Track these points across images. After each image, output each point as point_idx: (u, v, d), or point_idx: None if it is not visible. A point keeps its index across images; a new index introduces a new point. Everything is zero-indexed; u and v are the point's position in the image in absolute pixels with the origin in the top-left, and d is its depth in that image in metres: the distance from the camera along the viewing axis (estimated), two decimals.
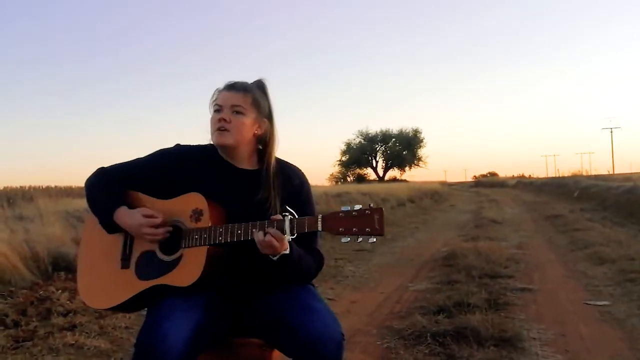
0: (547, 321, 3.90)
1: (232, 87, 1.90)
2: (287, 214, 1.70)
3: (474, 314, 3.77)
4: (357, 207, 1.65)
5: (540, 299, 4.64)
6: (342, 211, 1.65)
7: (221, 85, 1.92)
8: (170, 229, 1.80)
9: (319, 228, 1.65)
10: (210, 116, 1.90)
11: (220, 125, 1.85)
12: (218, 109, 1.88)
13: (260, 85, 1.95)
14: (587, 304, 4.45)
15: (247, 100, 1.87)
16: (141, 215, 1.79)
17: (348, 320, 3.94)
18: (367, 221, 1.62)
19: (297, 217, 1.71)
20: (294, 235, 1.68)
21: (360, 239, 1.63)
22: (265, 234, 1.67)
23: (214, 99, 1.91)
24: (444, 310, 4.01)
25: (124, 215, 1.81)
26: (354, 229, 1.62)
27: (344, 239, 1.65)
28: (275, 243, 1.67)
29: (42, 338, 3.54)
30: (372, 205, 1.65)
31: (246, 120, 1.87)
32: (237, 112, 1.86)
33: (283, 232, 1.67)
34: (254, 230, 1.70)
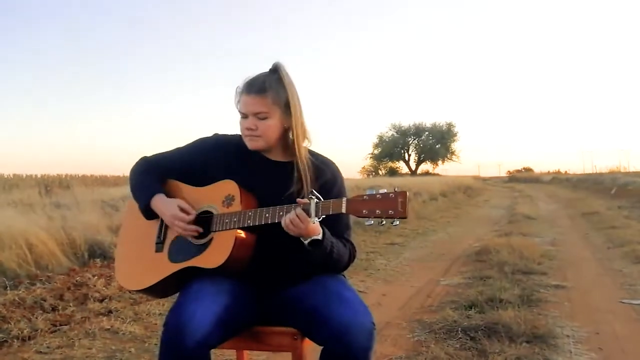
0: (580, 319, 3.84)
1: (250, 90, 1.84)
2: (312, 197, 1.71)
3: (506, 309, 3.74)
4: (382, 190, 1.65)
5: (574, 296, 4.56)
6: (367, 194, 1.65)
7: (240, 82, 1.88)
8: (201, 229, 1.83)
9: (343, 210, 1.65)
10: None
11: (248, 134, 1.86)
12: (243, 116, 1.87)
13: (276, 76, 1.87)
14: (622, 302, 4.37)
15: (266, 103, 1.83)
16: (177, 206, 1.84)
17: (378, 313, 3.93)
18: (391, 204, 1.61)
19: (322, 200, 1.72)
20: (319, 217, 1.69)
21: (384, 222, 1.63)
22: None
23: (237, 100, 1.89)
24: (476, 305, 3.99)
25: (161, 203, 1.87)
26: (377, 211, 1.62)
27: (368, 222, 1.65)
28: (300, 223, 1.68)
29: (78, 322, 3.65)
30: (396, 189, 1.65)
31: (272, 123, 1.85)
32: (262, 118, 1.84)
33: (309, 214, 1.68)
34: (281, 213, 1.72)
